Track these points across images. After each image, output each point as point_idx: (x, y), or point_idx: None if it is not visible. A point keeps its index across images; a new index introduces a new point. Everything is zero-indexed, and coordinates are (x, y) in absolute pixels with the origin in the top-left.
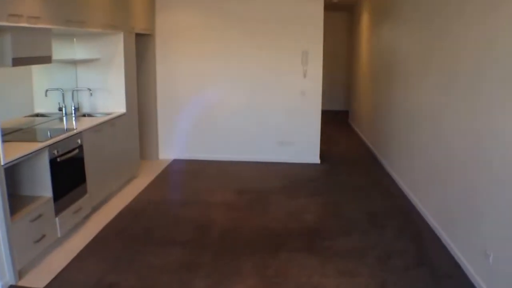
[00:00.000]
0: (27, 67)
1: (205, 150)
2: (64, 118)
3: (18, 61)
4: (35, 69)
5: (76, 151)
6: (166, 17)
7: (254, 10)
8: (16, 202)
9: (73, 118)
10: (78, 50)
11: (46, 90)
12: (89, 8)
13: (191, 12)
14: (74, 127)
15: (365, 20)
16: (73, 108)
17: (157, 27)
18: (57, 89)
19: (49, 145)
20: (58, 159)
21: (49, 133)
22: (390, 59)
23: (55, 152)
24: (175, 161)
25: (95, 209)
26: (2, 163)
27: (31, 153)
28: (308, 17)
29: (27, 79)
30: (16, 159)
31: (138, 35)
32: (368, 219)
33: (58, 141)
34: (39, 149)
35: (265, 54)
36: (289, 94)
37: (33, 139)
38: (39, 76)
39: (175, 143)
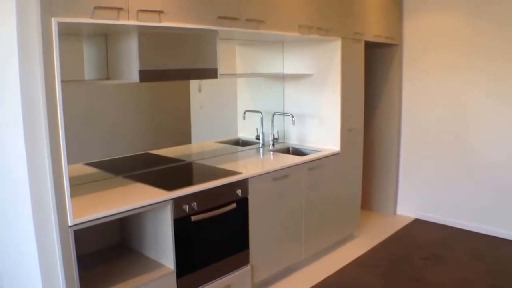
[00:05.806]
0: (232, 81)
1: (458, 212)
2: (261, 150)
3: (149, 75)
4: (239, 84)
5: (233, 205)
6: (420, 21)
7: None
8: (129, 268)
9: (271, 153)
10: (287, 63)
11: (245, 112)
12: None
13: (456, 16)
14: (239, 170)
15: None
16: (271, 138)
17: (406, 34)
18: (256, 112)
19: (173, 198)
20: (193, 218)
21: (193, 177)
22: None
23: (186, 207)
24: (417, 222)
25: (259, 286)
26: (69, 223)
27: (120, 212)
28: None
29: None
30: (89, 221)
31: (372, 45)
32: None
33: (193, 192)
34: (152, 204)
35: None
36: None
37: (163, 184)
38: (241, 94)
39: (418, 195)
